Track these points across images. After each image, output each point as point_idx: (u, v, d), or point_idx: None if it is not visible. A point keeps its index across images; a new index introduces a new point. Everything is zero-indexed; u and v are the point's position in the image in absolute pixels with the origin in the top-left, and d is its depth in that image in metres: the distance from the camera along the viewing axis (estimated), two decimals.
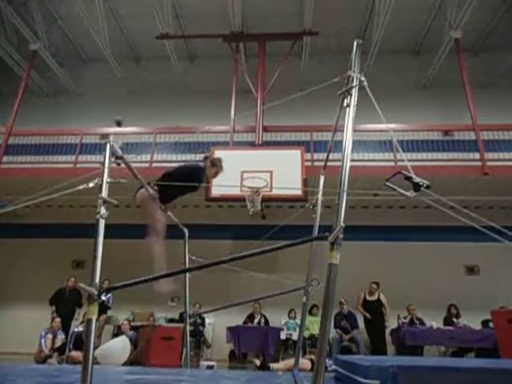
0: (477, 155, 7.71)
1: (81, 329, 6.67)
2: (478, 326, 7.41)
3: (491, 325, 6.61)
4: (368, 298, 7.77)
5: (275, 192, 6.84)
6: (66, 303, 7.54)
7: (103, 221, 2.01)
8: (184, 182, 3.02)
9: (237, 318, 7.72)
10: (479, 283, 8.35)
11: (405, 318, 7.59)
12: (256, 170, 7.02)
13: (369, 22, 9.43)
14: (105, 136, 8.71)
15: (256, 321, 7.79)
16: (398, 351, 7.28)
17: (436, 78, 10.03)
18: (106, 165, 2.14)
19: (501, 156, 7.91)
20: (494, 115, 8.55)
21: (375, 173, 6.90)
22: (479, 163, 7.57)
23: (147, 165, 8.07)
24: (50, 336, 6.70)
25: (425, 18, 9.66)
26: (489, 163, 7.53)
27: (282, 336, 7.30)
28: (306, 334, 7.13)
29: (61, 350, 6.67)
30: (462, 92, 8.33)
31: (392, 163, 7.69)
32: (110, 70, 10.57)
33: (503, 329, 4.24)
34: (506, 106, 9.25)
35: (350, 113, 1.97)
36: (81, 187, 2.20)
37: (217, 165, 3.72)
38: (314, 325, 7.42)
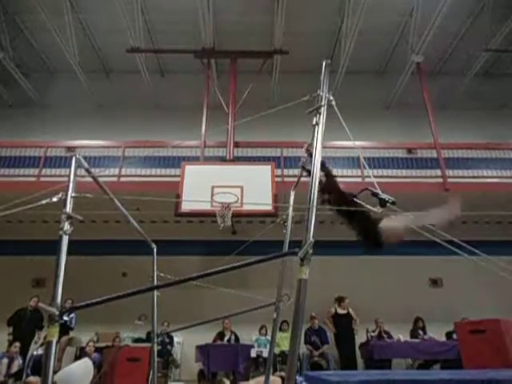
0: (438, 172, 8.09)
1: (40, 352, 6.31)
2: (442, 338, 7.63)
3: (455, 336, 6.82)
4: (339, 310, 7.81)
5: (246, 207, 6.85)
6: (26, 325, 7.12)
7: (67, 237, 1.93)
8: None
9: (207, 336, 7.55)
10: (443, 296, 8.63)
11: (373, 331, 7.69)
12: (227, 185, 7.02)
13: (336, 44, 9.81)
14: (70, 149, 8.45)
15: (226, 338, 7.65)
16: (367, 365, 7.35)
17: (400, 99, 10.51)
18: (71, 178, 2.07)
19: (460, 173, 8.32)
20: (454, 135, 9.04)
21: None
22: (441, 180, 7.93)
23: (115, 179, 7.88)
24: (5, 361, 6.29)
25: (389, 42, 10.17)
26: (449, 180, 7.91)
27: (253, 354, 7.20)
28: (277, 350, 7.07)
29: (17, 376, 6.26)
30: (424, 112, 8.76)
31: (359, 179, 7.91)
32: (78, 83, 10.33)
33: (466, 340, 4.38)
34: (464, 126, 9.81)
35: (319, 130, 2.03)
36: (43, 202, 2.11)
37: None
38: (284, 341, 7.37)
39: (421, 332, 7.72)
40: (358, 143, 7.69)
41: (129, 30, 8.97)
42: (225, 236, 8.08)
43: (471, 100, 10.45)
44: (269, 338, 7.14)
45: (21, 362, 6.41)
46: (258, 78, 9.36)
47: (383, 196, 1.74)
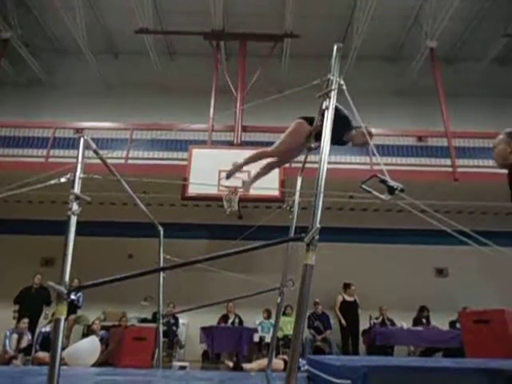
0: (448, 161, 7.97)
1: (48, 329, 6.46)
2: (445, 327, 7.66)
3: (458, 325, 6.84)
4: (347, 298, 7.91)
5: (252, 192, 6.82)
6: (32, 302, 7.28)
7: (75, 217, 1.95)
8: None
9: (211, 318, 7.67)
10: (448, 285, 8.63)
11: (376, 318, 7.75)
12: None
13: (349, 28, 9.59)
14: (79, 130, 8.47)
15: (230, 321, 7.77)
16: (369, 351, 7.42)
17: (412, 85, 10.30)
18: (80, 160, 2.07)
19: (471, 163, 8.20)
20: (466, 123, 8.86)
21: (351, 175, 7.00)
22: (450, 169, 7.83)
23: (122, 161, 7.91)
24: (15, 336, 6.46)
25: (402, 27, 9.91)
26: (459, 169, 7.81)
27: (255, 338, 7.30)
28: (280, 334, 7.16)
29: (27, 351, 6.43)
30: (436, 100, 8.59)
31: (368, 167, 7.84)
32: (86, 63, 10.26)
33: (469, 329, 4.38)
34: (477, 115, 9.61)
35: (329, 115, 1.99)
36: (52, 182, 2.12)
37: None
38: (287, 325, 7.46)
39: (424, 320, 7.76)
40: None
41: (137, 11, 8.84)
42: (231, 220, 8.10)
43: (486, 87, 10.20)
44: (272, 321, 7.25)
45: (30, 337, 6.58)
46: (268, 62, 9.22)
47: (392, 183, 1.71)
